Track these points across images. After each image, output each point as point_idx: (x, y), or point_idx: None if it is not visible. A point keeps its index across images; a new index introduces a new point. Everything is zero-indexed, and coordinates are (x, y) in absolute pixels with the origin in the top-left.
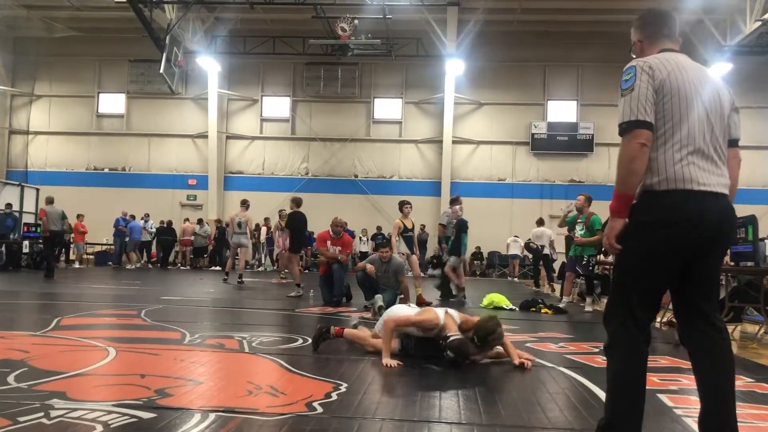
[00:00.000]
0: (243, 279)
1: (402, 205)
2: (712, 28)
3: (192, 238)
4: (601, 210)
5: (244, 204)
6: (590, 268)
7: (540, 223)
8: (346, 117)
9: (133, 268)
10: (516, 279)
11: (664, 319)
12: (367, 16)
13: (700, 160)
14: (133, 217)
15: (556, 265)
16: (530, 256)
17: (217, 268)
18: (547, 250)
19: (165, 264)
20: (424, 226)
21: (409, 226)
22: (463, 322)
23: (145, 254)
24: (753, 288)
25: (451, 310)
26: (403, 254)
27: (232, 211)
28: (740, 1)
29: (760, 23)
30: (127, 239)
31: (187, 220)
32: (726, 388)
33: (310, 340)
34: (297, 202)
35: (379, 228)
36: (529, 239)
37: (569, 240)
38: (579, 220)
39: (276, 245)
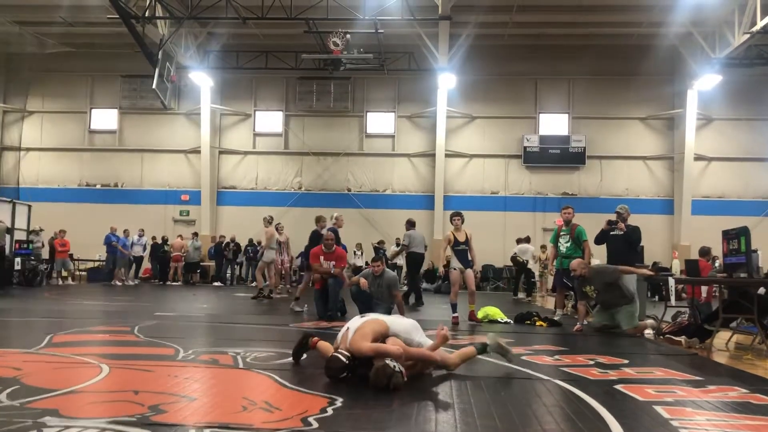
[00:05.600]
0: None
1: (452, 217)
2: (701, 40)
3: (181, 253)
4: (592, 222)
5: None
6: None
7: (525, 240)
8: (339, 131)
9: (119, 285)
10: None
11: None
12: (359, 30)
13: None
14: (126, 232)
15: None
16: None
17: (218, 284)
18: (530, 264)
19: (164, 279)
20: None
21: (461, 239)
22: (356, 350)
23: (134, 270)
24: (746, 299)
25: (353, 327)
26: (455, 269)
27: (270, 228)
28: (728, 13)
29: (748, 36)
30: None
31: (180, 236)
32: None
33: (305, 355)
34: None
35: (381, 242)
36: (515, 253)
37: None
38: (563, 233)
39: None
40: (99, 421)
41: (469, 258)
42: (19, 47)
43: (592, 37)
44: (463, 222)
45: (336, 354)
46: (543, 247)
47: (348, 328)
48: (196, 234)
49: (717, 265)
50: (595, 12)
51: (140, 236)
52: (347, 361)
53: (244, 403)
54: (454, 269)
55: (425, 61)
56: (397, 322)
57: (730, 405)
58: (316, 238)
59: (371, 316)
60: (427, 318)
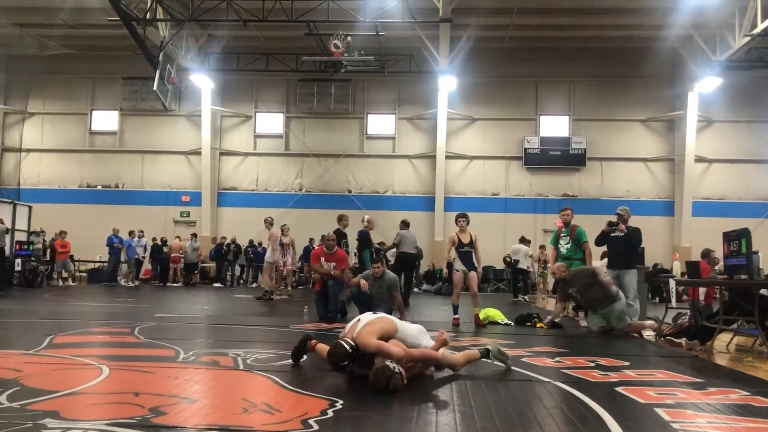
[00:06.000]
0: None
1: (456, 218)
2: (701, 43)
3: (179, 254)
4: (593, 224)
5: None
6: None
7: (521, 241)
8: (340, 133)
9: (126, 285)
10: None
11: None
12: (360, 33)
13: None
14: (131, 233)
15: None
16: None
17: (218, 285)
18: (522, 264)
19: (165, 281)
20: None
21: (465, 241)
22: (361, 343)
23: (134, 271)
24: (747, 300)
25: (363, 321)
26: (458, 271)
27: (274, 229)
28: (729, 16)
29: (749, 38)
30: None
31: (177, 237)
32: None
33: (305, 357)
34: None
35: (381, 243)
36: (508, 254)
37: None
38: (563, 234)
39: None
40: (99, 423)
41: (473, 260)
42: (20, 49)
43: (593, 39)
44: (468, 223)
45: (341, 341)
46: (542, 247)
47: (359, 320)
48: (194, 235)
49: (717, 268)
50: (595, 15)
51: (140, 237)
52: (351, 350)
53: (245, 405)
54: (457, 271)
55: (426, 63)
56: (406, 326)
57: (731, 407)
58: (339, 236)
59: (384, 315)
60: (428, 319)
